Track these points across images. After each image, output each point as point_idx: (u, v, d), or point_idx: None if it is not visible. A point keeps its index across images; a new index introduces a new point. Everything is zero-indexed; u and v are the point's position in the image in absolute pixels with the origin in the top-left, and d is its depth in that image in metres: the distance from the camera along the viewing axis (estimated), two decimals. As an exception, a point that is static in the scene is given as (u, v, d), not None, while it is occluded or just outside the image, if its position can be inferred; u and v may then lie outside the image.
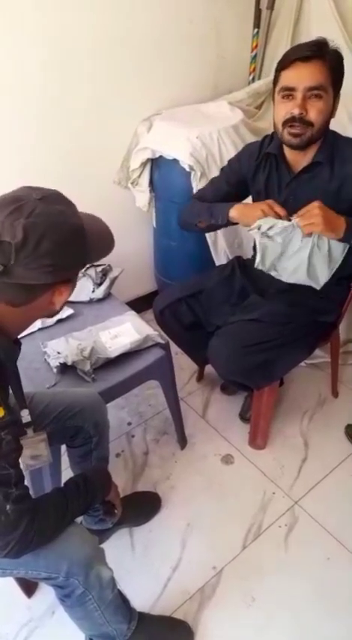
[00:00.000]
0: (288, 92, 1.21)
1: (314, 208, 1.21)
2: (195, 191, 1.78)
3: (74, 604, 1.00)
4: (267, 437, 1.73)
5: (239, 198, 1.50)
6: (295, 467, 1.66)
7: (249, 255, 1.73)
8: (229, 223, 1.38)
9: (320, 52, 1.17)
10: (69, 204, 0.83)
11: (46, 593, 1.32)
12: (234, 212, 1.35)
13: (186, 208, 1.54)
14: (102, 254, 0.90)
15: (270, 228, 1.26)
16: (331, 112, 1.26)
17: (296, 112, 1.20)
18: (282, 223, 1.26)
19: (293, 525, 1.49)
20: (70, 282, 0.86)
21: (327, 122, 1.26)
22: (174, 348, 1.57)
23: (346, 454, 1.69)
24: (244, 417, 1.82)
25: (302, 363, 1.89)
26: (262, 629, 1.26)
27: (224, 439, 1.77)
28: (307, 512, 1.52)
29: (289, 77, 1.20)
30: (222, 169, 1.55)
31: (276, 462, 1.68)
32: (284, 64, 1.21)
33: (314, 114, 1.21)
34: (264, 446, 1.73)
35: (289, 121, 1.23)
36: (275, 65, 1.26)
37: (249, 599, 1.32)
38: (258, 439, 1.71)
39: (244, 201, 1.43)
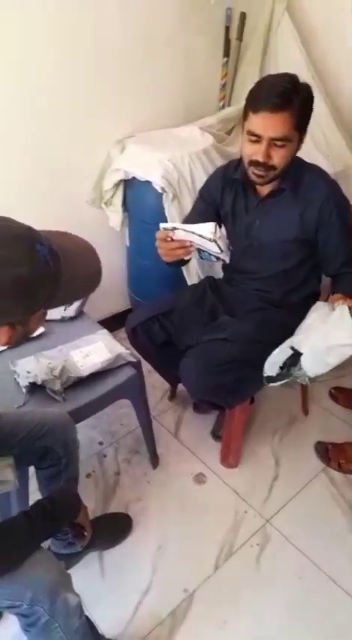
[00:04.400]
0: (254, 137, 1.26)
1: None
2: (166, 211, 1.80)
3: (39, 633, 0.97)
4: (239, 455, 1.73)
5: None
6: (266, 485, 1.67)
7: (220, 275, 1.76)
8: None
9: (288, 102, 1.20)
10: (16, 249, 0.68)
11: (11, 624, 1.26)
12: None
13: None
14: (70, 298, 0.84)
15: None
16: (295, 152, 1.32)
17: (260, 159, 1.27)
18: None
19: (264, 545, 1.49)
20: (12, 325, 0.76)
21: (291, 161, 1.32)
22: (146, 366, 1.57)
23: (315, 472, 1.71)
24: (216, 434, 1.82)
25: (273, 382, 1.91)
26: (234, 653, 1.25)
27: (196, 458, 1.76)
28: (279, 531, 1.52)
29: (255, 123, 1.24)
30: (194, 203, 1.57)
31: (248, 481, 1.68)
32: (253, 107, 1.24)
33: (277, 159, 1.27)
34: (236, 464, 1.73)
35: (253, 163, 1.30)
36: (244, 95, 1.30)
37: (221, 622, 1.30)
38: (230, 458, 1.71)
39: None
